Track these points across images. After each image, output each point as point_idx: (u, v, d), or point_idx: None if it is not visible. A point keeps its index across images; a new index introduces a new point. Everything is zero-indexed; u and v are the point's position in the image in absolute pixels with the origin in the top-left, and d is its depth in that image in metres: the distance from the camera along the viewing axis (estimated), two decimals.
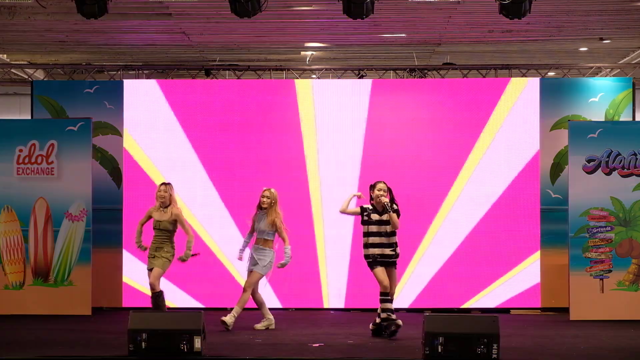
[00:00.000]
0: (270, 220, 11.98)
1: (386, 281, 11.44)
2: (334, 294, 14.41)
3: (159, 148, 14.47)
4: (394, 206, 11.52)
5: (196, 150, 14.47)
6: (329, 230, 14.38)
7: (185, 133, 14.47)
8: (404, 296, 14.23)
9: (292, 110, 14.45)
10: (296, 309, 14.28)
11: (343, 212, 11.70)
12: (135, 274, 14.34)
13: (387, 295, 11.47)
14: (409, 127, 14.43)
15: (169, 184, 12.28)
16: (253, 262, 12.02)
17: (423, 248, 14.32)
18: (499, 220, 14.28)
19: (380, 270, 11.46)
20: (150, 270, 12.15)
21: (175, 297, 14.34)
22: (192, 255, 12.11)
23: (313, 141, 14.43)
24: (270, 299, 13.78)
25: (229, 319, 11.95)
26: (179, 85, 14.61)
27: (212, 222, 14.45)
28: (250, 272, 12.06)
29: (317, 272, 14.35)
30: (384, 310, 11.50)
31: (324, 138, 14.44)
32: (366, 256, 11.56)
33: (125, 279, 14.42)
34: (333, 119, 14.44)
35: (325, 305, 14.42)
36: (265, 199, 12.04)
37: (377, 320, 11.57)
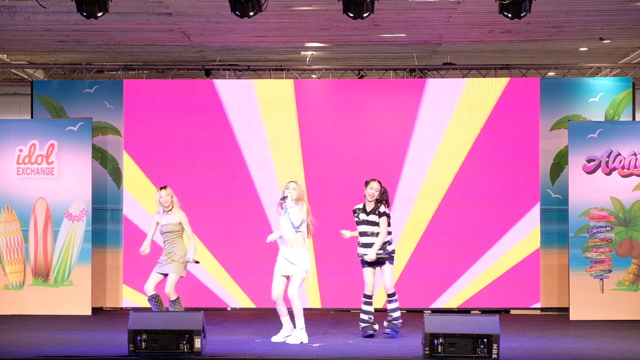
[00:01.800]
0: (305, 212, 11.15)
1: (371, 285, 11.53)
2: (334, 294, 14.41)
3: (159, 148, 14.46)
4: (382, 209, 11.50)
5: (197, 150, 14.46)
6: (330, 230, 14.37)
7: (185, 133, 14.47)
8: (401, 297, 14.24)
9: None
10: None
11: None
12: (135, 274, 14.34)
13: (368, 297, 11.55)
14: (408, 127, 14.42)
15: (166, 187, 11.98)
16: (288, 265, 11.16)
17: (418, 247, 14.29)
18: (499, 220, 14.27)
19: (367, 272, 11.54)
20: (162, 274, 11.71)
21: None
22: (195, 262, 11.84)
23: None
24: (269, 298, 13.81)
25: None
26: (180, 85, 14.61)
27: (212, 221, 14.44)
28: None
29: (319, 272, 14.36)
30: (365, 312, 11.57)
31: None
32: (358, 255, 11.62)
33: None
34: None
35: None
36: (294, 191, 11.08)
37: (385, 323, 11.63)
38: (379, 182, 11.58)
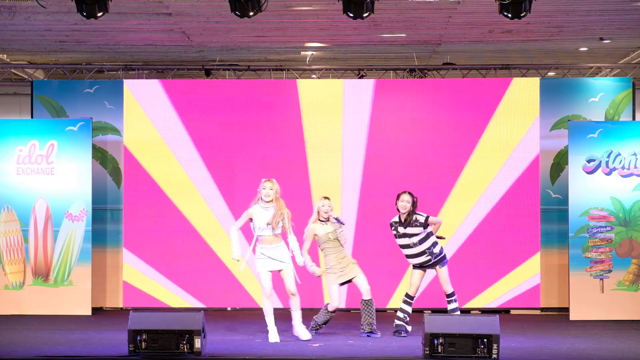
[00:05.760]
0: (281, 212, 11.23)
1: (415, 287, 11.70)
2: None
3: (159, 148, 14.45)
4: (421, 219, 11.56)
5: (197, 150, 14.46)
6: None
7: (186, 132, 14.46)
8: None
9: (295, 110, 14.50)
10: None
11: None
12: (135, 273, 14.34)
13: (409, 298, 11.73)
14: (408, 127, 14.42)
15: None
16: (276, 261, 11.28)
17: None
18: (499, 221, 14.27)
19: (415, 273, 11.73)
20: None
21: (177, 297, 14.37)
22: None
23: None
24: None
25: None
26: (179, 84, 14.61)
27: (213, 220, 14.43)
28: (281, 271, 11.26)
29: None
30: (402, 311, 11.76)
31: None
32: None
33: (126, 277, 14.40)
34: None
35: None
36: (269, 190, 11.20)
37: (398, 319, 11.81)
38: (410, 193, 11.66)
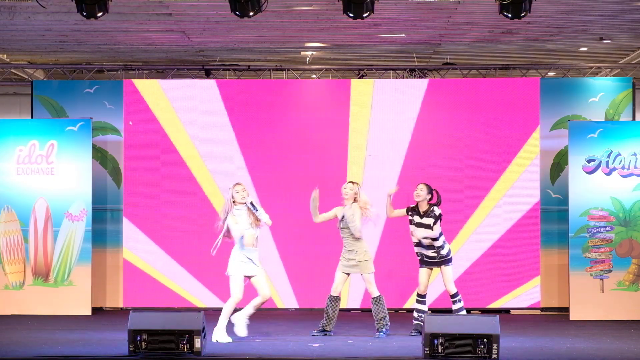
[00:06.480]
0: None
1: (423, 285, 11.80)
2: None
3: (158, 148, 14.45)
4: (437, 212, 11.65)
5: (198, 150, 14.45)
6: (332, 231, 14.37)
7: (186, 132, 14.46)
8: (399, 297, 14.24)
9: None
10: (296, 309, 14.26)
11: (390, 216, 11.91)
12: (135, 271, 14.34)
13: (420, 297, 11.84)
14: (408, 128, 14.43)
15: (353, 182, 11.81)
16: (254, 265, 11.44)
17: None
18: (498, 221, 14.27)
19: (421, 272, 11.83)
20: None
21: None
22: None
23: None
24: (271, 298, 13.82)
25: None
26: (179, 84, 14.60)
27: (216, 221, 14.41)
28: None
29: (318, 272, 14.35)
30: (417, 310, 11.87)
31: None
32: (416, 254, 11.85)
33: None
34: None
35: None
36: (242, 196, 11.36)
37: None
38: (426, 184, 11.80)
